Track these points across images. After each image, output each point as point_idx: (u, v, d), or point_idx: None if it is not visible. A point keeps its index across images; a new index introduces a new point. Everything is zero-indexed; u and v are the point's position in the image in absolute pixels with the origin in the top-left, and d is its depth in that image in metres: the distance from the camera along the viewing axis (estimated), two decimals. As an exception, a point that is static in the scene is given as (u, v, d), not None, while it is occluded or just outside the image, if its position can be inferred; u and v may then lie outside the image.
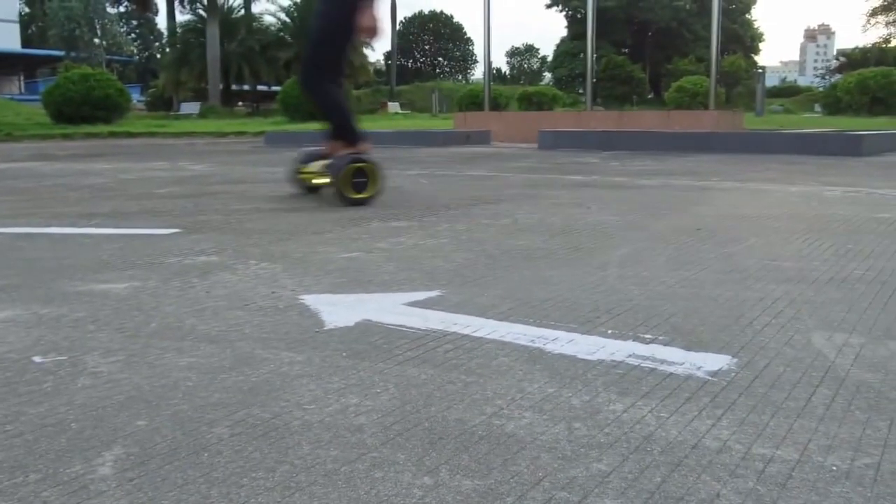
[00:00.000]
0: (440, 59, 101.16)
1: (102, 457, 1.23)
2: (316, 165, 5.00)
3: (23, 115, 25.35)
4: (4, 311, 2.13)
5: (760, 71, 39.63)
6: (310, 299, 2.26)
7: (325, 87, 4.80)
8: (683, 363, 1.68)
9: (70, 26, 53.67)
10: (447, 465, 1.20)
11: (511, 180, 6.50)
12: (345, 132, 4.85)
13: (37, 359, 1.72)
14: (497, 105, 31.58)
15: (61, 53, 52.31)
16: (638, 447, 1.27)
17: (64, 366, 1.68)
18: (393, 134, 14.50)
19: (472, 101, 31.19)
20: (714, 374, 1.61)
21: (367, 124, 11.60)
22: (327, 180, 4.69)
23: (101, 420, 1.38)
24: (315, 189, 5.11)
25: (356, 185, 4.61)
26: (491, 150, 12.01)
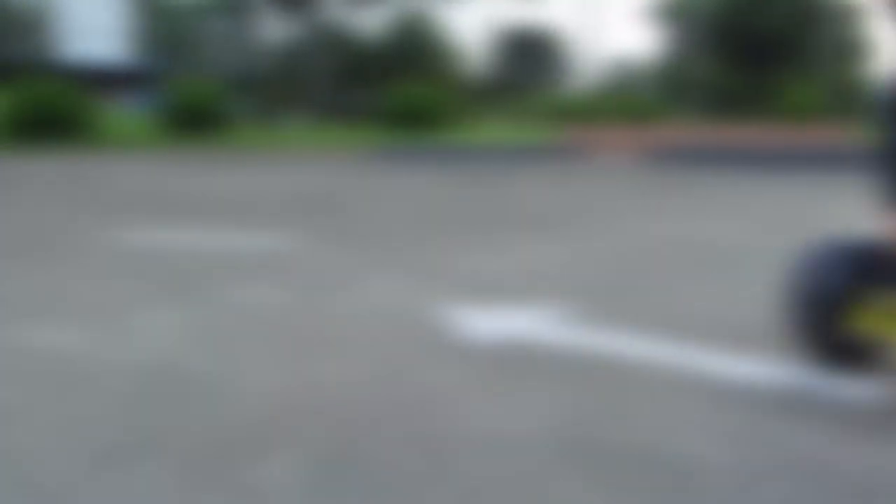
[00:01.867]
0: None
1: (269, 462, 1.27)
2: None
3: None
4: (162, 316, 2.23)
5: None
6: (453, 311, 2.28)
7: None
8: (839, 385, 1.63)
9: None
10: (611, 486, 1.20)
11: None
12: None
13: (194, 366, 1.79)
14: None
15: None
16: (813, 475, 1.23)
17: (219, 373, 1.74)
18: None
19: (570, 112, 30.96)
20: (872, 397, 1.56)
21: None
22: None
23: (265, 427, 1.43)
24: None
25: None
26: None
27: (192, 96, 24.64)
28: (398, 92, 28.24)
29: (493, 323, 2.17)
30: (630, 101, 30.71)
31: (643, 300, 2.47)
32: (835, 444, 1.35)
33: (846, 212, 5.11)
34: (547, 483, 1.20)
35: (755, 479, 1.22)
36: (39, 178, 8.33)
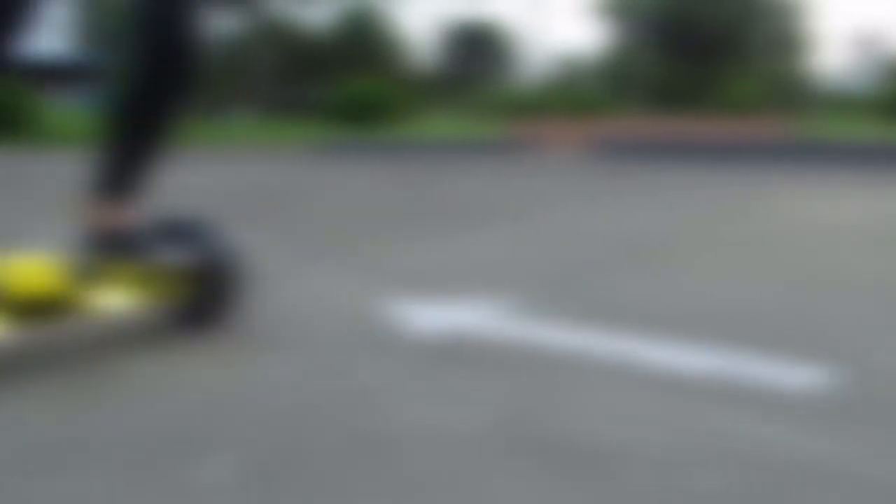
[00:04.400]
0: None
1: (214, 462, 1.25)
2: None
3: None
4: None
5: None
6: (395, 305, 2.27)
7: None
8: (776, 373, 1.65)
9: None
10: (555, 478, 1.19)
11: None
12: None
13: (132, 365, 1.75)
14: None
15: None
16: (744, 462, 1.25)
17: (154, 371, 1.70)
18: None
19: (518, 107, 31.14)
20: (809, 385, 1.59)
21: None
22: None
23: (207, 427, 1.40)
24: None
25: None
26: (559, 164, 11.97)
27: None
28: (345, 86, 28.06)
29: (435, 317, 2.16)
30: (575, 96, 30.97)
31: (586, 293, 2.48)
32: (774, 433, 1.37)
33: (784, 202, 5.21)
34: (489, 477, 1.20)
35: (694, 468, 1.23)
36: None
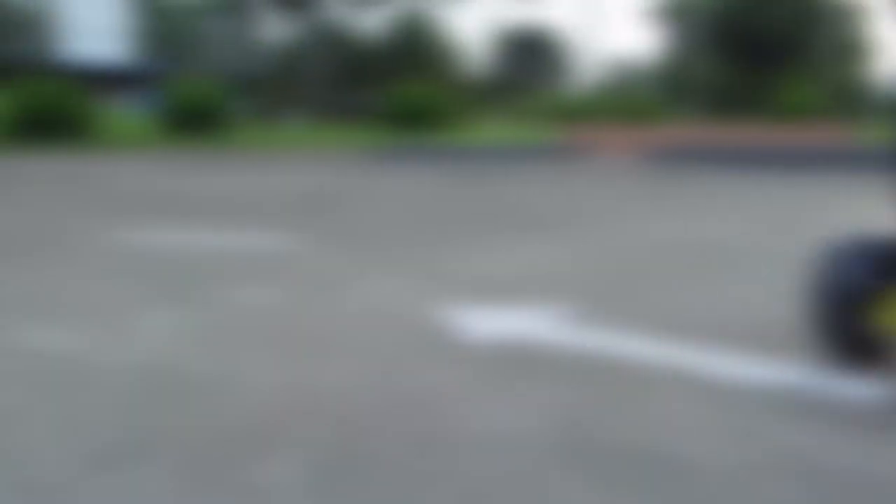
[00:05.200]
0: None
1: (271, 462, 1.27)
2: None
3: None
4: (162, 316, 2.23)
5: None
6: (455, 311, 2.28)
7: None
8: (840, 385, 1.63)
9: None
10: (616, 486, 1.19)
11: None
12: None
13: (194, 366, 1.79)
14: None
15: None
16: (810, 474, 1.23)
17: (220, 374, 1.74)
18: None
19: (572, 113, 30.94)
20: (874, 397, 1.56)
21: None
22: None
23: (266, 427, 1.42)
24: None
25: None
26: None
27: (191, 96, 24.59)
28: (399, 92, 28.20)
29: (492, 323, 2.16)
30: (630, 101, 30.66)
31: (643, 300, 2.47)
32: (835, 444, 1.35)
33: (848, 211, 5.10)
34: (546, 482, 1.20)
35: (755, 478, 1.22)
36: (39, 179, 8.32)
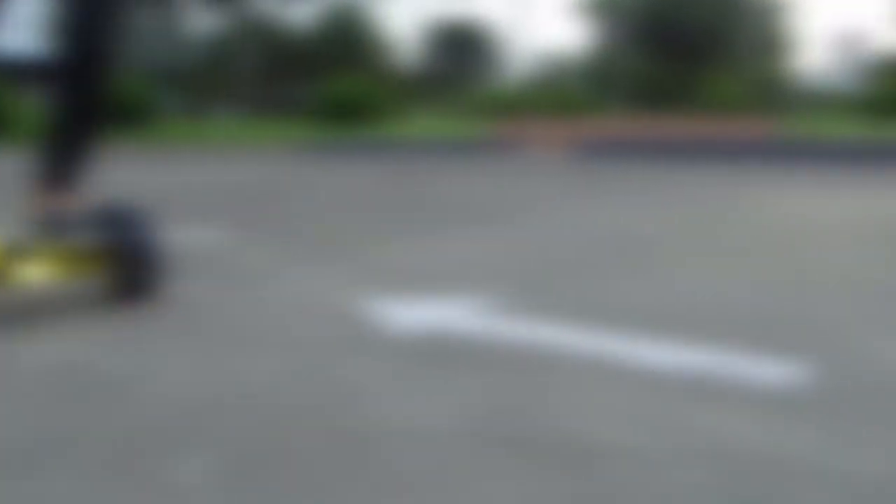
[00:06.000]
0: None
1: (186, 461, 1.24)
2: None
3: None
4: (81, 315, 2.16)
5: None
6: (378, 304, 2.26)
7: None
8: (755, 370, 1.66)
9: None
10: (530, 475, 1.20)
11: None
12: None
13: (110, 365, 1.74)
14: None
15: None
16: (728, 458, 1.25)
17: (137, 371, 1.69)
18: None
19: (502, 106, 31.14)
20: (786, 381, 1.60)
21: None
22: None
23: (189, 424, 1.39)
24: None
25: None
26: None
27: (117, 90, 23.88)
28: (331, 86, 27.97)
29: (418, 315, 2.16)
30: (560, 95, 31.00)
31: (569, 291, 2.49)
32: (752, 428, 1.37)
33: (766, 201, 5.24)
34: (471, 474, 1.20)
35: (673, 464, 1.24)
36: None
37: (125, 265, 2.23)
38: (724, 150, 10.96)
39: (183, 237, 3.68)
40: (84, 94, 2.38)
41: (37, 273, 2.10)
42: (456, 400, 1.52)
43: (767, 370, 1.69)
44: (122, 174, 8.24)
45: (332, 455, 1.27)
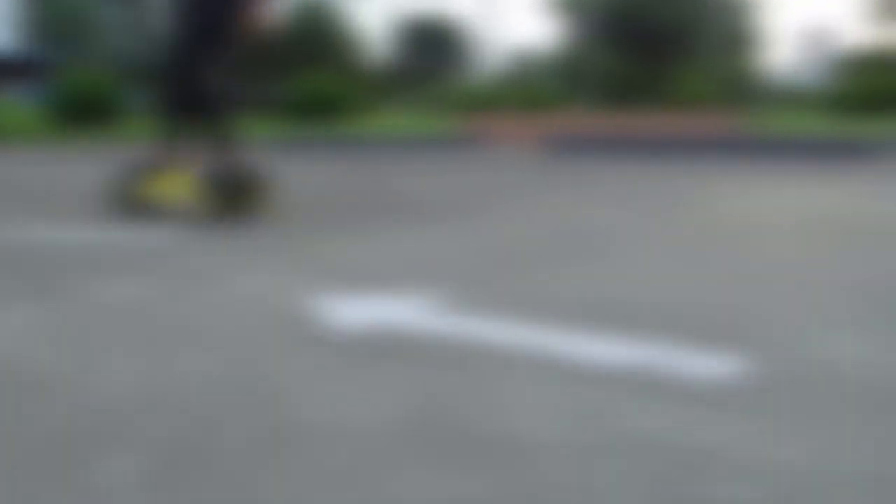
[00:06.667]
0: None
1: (111, 460, 1.23)
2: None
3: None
4: (16, 313, 2.13)
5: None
6: (324, 300, 2.26)
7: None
8: (691, 364, 1.68)
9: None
10: (460, 469, 1.20)
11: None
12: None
13: (40, 363, 1.72)
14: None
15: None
16: (653, 450, 1.27)
17: (67, 370, 1.68)
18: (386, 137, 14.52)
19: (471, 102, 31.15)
20: (721, 375, 1.62)
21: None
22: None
23: (119, 423, 1.38)
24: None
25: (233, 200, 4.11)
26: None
27: (83, 86, 23.74)
28: (301, 82, 27.83)
29: (360, 312, 2.15)
30: (529, 91, 31.07)
31: (519, 287, 2.50)
32: (682, 421, 1.39)
33: (724, 196, 5.29)
34: (396, 470, 1.20)
35: (597, 456, 1.25)
36: None
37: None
38: (691, 146, 11.04)
39: (137, 237, 3.64)
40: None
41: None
42: (390, 396, 1.52)
43: (705, 363, 1.71)
44: (83, 173, 8.14)
45: (257, 453, 1.27)
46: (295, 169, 8.55)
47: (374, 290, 2.43)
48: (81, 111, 23.35)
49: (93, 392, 1.55)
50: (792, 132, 14.30)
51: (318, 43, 42.84)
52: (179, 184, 4.13)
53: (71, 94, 23.34)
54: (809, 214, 4.28)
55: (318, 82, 27.02)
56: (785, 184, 6.37)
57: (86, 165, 9.26)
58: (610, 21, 38.90)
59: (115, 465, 1.22)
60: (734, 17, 40.39)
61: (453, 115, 23.80)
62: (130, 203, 4.18)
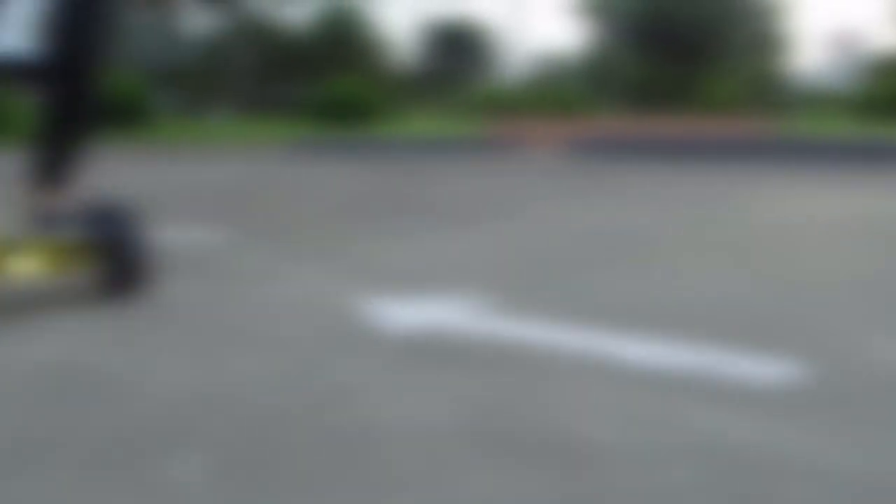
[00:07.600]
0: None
1: (178, 461, 1.24)
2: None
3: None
4: (73, 315, 2.16)
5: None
6: (372, 303, 2.27)
7: None
8: (749, 369, 1.67)
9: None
10: (529, 471, 1.20)
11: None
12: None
13: (102, 364, 1.74)
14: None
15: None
16: (715, 454, 1.26)
17: (129, 370, 1.70)
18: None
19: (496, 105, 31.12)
20: (780, 381, 1.60)
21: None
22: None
23: (181, 425, 1.39)
24: None
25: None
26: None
27: (111, 89, 23.96)
28: (326, 85, 27.98)
29: (412, 314, 2.16)
30: (556, 94, 30.98)
31: (564, 290, 2.50)
32: (744, 427, 1.38)
33: (763, 200, 5.25)
34: (465, 473, 1.20)
35: (665, 463, 1.24)
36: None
37: (111, 261, 2.30)
38: (720, 150, 10.97)
39: (174, 236, 3.68)
40: (73, 93, 2.41)
41: (26, 267, 2.18)
42: (449, 398, 1.52)
43: (758, 367, 1.70)
44: (114, 175, 8.24)
45: (324, 455, 1.27)
46: (321, 173, 8.60)
47: (420, 293, 2.43)
48: (110, 114, 23.54)
49: (153, 391, 1.56)
50: (822, 135, 14.18)
51: (347, 47, 43.00)
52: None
53: (99, 96, 23.39)
54: (848, 219, 4.24)
55: (347, 86, 27.17)
56: (820, 187, 6.32)
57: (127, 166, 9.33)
58: (638, 25, 38.73)
59: (184, 465, 1.23)
60: (762, 20, 40.08)
61: (480, 118, 23.82)
62: None
